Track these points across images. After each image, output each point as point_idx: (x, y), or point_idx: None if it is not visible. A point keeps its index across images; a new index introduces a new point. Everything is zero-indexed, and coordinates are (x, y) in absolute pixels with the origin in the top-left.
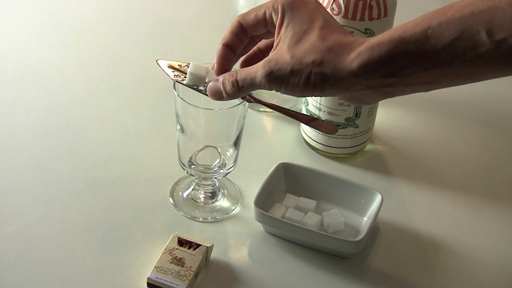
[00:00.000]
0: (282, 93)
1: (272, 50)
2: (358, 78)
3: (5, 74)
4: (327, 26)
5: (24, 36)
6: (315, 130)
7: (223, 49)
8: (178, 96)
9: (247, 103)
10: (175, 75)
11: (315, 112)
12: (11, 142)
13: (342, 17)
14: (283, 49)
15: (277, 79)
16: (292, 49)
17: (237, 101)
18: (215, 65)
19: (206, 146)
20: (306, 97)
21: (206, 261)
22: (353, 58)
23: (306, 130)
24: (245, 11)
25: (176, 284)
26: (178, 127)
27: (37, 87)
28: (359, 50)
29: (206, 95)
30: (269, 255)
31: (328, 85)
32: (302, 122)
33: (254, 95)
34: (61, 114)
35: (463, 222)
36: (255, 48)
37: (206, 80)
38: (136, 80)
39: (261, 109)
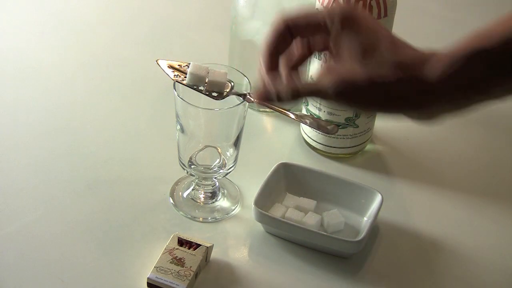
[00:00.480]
0: (347, 107)
1: (331, 58)
2: (438, 88)
3: (5, 74)
4: (393, 39)
5: (24, 36)
6: (315, 130)
7: (269, 51)
8: (178, 96)
9: (247, 103)
10: (175, 75)
11: (315, 112)
12: (11, 142)
13: None
14: (349, 60)
15: (348, 93)
16: (361, 61)
17: (237, 101)
18: (262, 67)
19: (206, 146)
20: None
21: (206, 261)
22: (432, 68)
23: (306, 130)
24: (245, 11)
25: (176, 284)
26: (178, 127)
27: (37, 87)
28: (438, 59)
29: (206, 95)
30: (269, 255)
31: (408, 102)
32: (302, 123)
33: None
34: (61, 114)
35: (463, 222)
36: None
37: (206, 80)
38: (136, 80)
39: (261, 109)
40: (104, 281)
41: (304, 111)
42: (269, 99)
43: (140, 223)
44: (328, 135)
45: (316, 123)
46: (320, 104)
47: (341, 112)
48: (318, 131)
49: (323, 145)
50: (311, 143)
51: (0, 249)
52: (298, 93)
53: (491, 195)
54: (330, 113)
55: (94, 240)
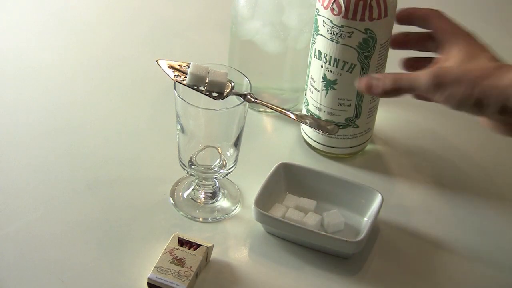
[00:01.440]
0: (439, 100)
1: (436, 64)
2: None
3: (5, 74)
4: (491, 55)
5: (24, 36)
6: (315, 130)
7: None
8: (178, 96)
9: (247, 103)
10: (175, 75)
11: (315, 112)
12: (11, 142)
13: (343, 17)
14: (452, 64)
15: (442, 84)
16: (461, 65)
17: (237, 101)
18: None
19: (206, 146)
20: (306, 97)
21: (206, 261)
22: (506, 76)
23: (306, 130)
24: (245, 11)
25: (176, 284)
26: (178, 127)
27: (37, 87)
28: None
29: (207, 95)
30: (269, 255)
31: (486, 100)
32: (302, 123)
33: (255, 95)
34: (61, 114)
35: (463, 222)
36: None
37: (207, 80)
38: (136, 80)
39: (261, 109)
40: (104, 281)
41: (304, 111)
42: (371, 87)
43: (140, 223)
44: (328, 135)
45: (316, 123)
46: (320, 104)
47: (342, 112)
48: (318, 131)
49: (323, 145)
50: (311, 143)
51: (0, 249)
52: (399, 81)
53: (491, 195)
54: (330, 113)
55: (94, 240)
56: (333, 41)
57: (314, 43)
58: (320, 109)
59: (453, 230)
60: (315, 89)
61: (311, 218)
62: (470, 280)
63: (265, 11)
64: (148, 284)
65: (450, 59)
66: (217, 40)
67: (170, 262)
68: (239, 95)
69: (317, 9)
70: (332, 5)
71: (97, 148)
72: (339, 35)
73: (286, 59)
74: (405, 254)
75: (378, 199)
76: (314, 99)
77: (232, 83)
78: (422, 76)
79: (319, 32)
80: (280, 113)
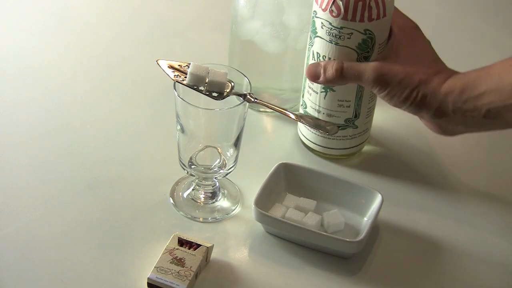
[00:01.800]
0: (380, 96)
1: (383, 58)
2: (445, 101)
3: (5, 74)
4: (437, 60)
5: (24, 36)
6: (313, 131)
7: None
8: (178, 96)
9: (247, 103)
10: (175, 75)
11: (314, 114)
12: (11, 142)
13: (342, 18)
14: (398, 62)
15: (385, 83)
16: (406, 66)
17: (237, 101)
18: None
19: (206, 146)
20: (304, 99)
21: (206, 261)
22: (445, 83)
23: (304, 132)
24: (245, 11)
25: (176, 284)
26: (178, 127)
27: (37, 87)
28: (452, 77)
29: (207, 95)
30: (269, 255)
31: (425, 104)
32: (302, 123)
33: (255, 95)
34: (61, 114)
35: (463, 222)
36: None
37: (207, 80)
38: (136, 80)
39: (261, 109)
40: (104, 281)
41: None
42: (315, 75)
43: (140, 223)
44: (328, 135)
45: (316, 124)
46: (319, 106)
47: (341, 113)
48: (318, 132)
49: (322, 146)
50: (309, 145)
51: (0, 249)
52: (341, 73)
53: (491, 195)
54: (329, 115)
55: (94, 240)
56: (332, 42)
57: (312, 45)
58: (319, 111)
59: (453, 230)
60: (314, 91)
61: (311, 218)
62: (470, 280)
63: (265, 11)
64: (148, 284)
65: (398, 57)
66: (217, 40)
67: (170, 262)
68: (239, 95)
69: (314, 11)
70: (331, 7)
71: (97, 148)
72: (338, 36)
73: (286, 59)
74: (405, 254)
75: (378, 199)
76: (312, 101)
77: (232, 83)
78: (368, 70)
79: (317, 34)
80: (280, 113)
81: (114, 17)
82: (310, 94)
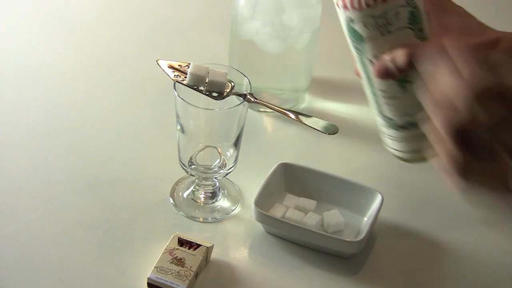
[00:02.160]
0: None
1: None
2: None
3: (5, 74)
4: (481, 23)
5: (24, 36)
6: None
7: None
8: (178, 96)
9: (247, 103)
10: (175, 75)
11: (402, 120)
12: (11, 142)
13: (382, 2)
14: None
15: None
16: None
17: (237, 101)
18: None
19: (206, 146)
20: (382, 110)
21: (206, 261)
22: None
23: (395, 148)
24: (245, 11)
25: (176, 284)
26: (178, 127)
27: (37, 87)
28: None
29: (206, 95)
30: (269, 255)
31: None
32: (302, 123)
33: (255, 95)
34: (61, 114)
35: (463, 222)
36: None
37: (207, 80)
38: (136, 80)
39: (261, 109)
40: (104, 281)
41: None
42: (387, 69)
43: (140, 223)
44: (328, 134)
45: (316, 124)
46: (406, 108)
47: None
48: (318, 131)
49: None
50: (407, 158)
51: (0, 249)
52: (413, 51)
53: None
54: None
55: (94, 240)
56: (384, 34)
57: (364, 54)
58: (408, 114)
59: (453, 230)
60: (393, 97)
61: (311, 218)
62: (470, 280)
63: (265, 11)
64: (148, 284)
65: (447, 31)
66: (217, 40)
67: (170, 262)
68: (239, 95)
69: (347, 20)
70: (364, 1)
71: (97, 148)
72: (386, 23)
73: (286, 59)
74: (405, 254)
75: (378, 199)
76: (396, 107)
77: (232, 83)
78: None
79: (363, 40)
80: (280, 113)
81: (114, 17)
82: (389, 105)
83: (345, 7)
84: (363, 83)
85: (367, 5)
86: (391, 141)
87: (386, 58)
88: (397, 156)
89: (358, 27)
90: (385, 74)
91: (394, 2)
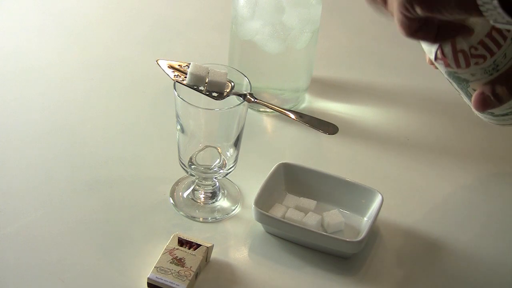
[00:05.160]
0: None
1: None
2: None
3: (5, 74)
4: None
5: (24, 36)
6: (319, 130)
7: None
8: (178, 96)
9: (247, 103)
10: (175, 75)
11: None
12: (11, 142)
13: (490, 56)
14: None
15: None
16: None
17: (237, 101)
18: None
19: (206, 146)
20: None
21: (206, 261)
22: None
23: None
24: (245, 11)
25: (176, 284)
26: (178, 127)
27: (37, 87)
28: None
29: (206, 95)
30: (269, 255)
31: None
32: (302, 123)
33: (255, 95)
34: (61, 114)
35: (463, 222)
36: None
37: (207, 80)
38: (136, 80)
39: (261, 109)
40: (104, 281)
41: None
42: (487, 104)
43: (140, 223)
44: (328, 135)
45: (317, 123)
46: None
47: None
48: (318, 131)
49: None
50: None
51: (0, 249)
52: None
53: (491, 195)
54: None
55: (94, 240)
56: (492, 75)
57: (468, 90)
58: None
59: (453, 230)
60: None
61: (311, 218)
62: (470, 280)
63: (265, 11)
64: (148, 284)
65: None
66: (217, 40)
67: (170, 262)
68: (239, 95)
69: (452, 72)
70: (474, 59)
71: (97, 148)
72: (496, 68)
73: (286, 59)
74: (405, 254)
75: (378, 199)
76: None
77: (232, 83)
78: None
79: (470, 81)
80: (280, 113)
81: (114, 17)
82: None
83: (447, 65)
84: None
85: (476, 63)
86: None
87: (484, 93)
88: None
89: (464, 76)
90: (485, 106)
91: (501, 50)
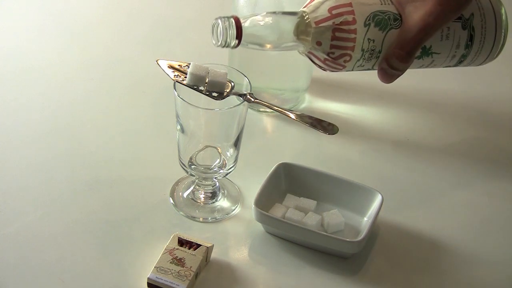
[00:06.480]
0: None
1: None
2: None
3: (5, 74)
4: None
5: (24, 36)
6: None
7: None
8: (178, 96)
9: (247, 103)
10: (175, 75)
11: None
12: (11, 142)
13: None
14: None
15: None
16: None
17: (237, 101)
18: None
19: (206, 146)
20: None
21: (206, 261)
22: None
23: None
24: (245, 11)
25: (176, 284)
26: (178, 127)
27: (37, 87)
28: None
29: (206, 95)
30: (269, 255)
31: None
32: (302, 123)
33: (255, 95)
34: (61, 114)
35: (463, 222)
36: None
37: (207, 80)
38: (136, 80)
39: (261, 109)
40: (104, 281)
41: None
42: (390, 77)
43: (140, 223)
44: (328, 134)
45: (317, 123)
46: None
47: None
48: (318, 131)
49: None
50: None
51: (0, 249)
52: (408, 49)
53: (491, 195)
54: None
55: (94, 240)
56: (379, 57)
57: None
58: None
59: (453, 230)
60: None
61: (311, 218)
62: (470, 280)
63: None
64: (148, 284)
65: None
66: None
67: (170, 262)
68: (239, 95)
69: (367, 68)
70: (341, 59)
71: (97, 148)
72: (376, 50)
73: (286, 59)
74: (405, 254)
75: (378, 199)
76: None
77: (232, 83)
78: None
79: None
80: (280, 113)
81: (114, 17)
82: None
83: (339, 70)
84: None
85: (345, 61)
86: None
87: (382, 65)
88: None
89: (361, 68)
90: (389, 78)
91: (358, 40)
